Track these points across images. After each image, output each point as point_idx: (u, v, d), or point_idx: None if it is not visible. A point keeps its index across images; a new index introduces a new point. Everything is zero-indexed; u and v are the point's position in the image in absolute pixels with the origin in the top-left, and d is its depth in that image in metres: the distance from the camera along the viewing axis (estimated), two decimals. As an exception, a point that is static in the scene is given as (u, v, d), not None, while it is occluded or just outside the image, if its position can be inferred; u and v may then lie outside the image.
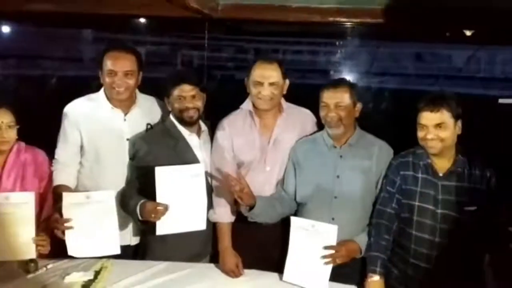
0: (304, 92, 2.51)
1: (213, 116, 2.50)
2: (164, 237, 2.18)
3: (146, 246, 2.37)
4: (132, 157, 2.33)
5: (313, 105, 2.29)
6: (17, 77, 3.49)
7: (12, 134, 2.23)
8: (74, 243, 2.13)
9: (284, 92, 2.35)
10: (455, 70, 4.13)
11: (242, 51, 3.99)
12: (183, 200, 2.14)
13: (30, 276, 2.07)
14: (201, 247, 2.36)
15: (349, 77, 3.83)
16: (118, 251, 2.18)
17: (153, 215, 2.08)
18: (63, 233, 2.13)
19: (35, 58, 3.48)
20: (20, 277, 2.06)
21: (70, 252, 2.14)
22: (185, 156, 2.28)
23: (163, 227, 2.13)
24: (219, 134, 2.36)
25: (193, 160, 2.29)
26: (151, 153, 2.26)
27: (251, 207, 2.15)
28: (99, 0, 2.48)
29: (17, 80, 3.48)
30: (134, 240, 2.44)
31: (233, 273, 2.21)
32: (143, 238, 2.41)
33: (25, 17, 2.95)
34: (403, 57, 4.13)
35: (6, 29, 3.46)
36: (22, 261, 2.11)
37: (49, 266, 2.14)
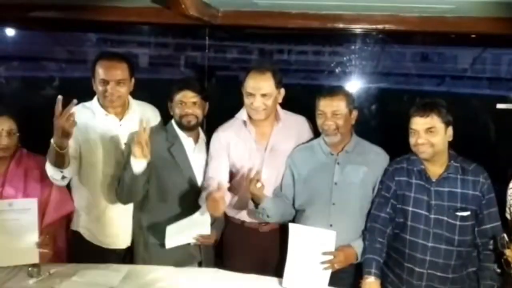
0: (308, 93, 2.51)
1: (215, 117, 2.53)
2: (152, 244, 2.25)
3: (134, 251, 2.42)
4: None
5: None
6: (19, 83, 3.53)
7: (12, 141, 2.26)
8: None
9: (280, 101, 2.35)
10: (460, 70, 4.09)
11: (246, 51, 3.98)
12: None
13: (33, 281, 2.09)
14: (189, 253, 2.36)
15: (353, 78, 3.82)
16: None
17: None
18: None
19: (38, 63, 3.52)
20: (23, 282, 2.08)
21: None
22: (178, 158, 2.33)
23: (171, 242, 2.20)
24: (214, 143, 2.39)
25: (185, 162, 2.34)
26: None
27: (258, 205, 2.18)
28: (101, 7, 2.50)
29: (19, 87, 3.52)
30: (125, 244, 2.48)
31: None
32: (132, 243, 2.45)
33: (28, 23, 2.99)
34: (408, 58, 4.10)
35: (10, 33, 3.49)
36: (25, 266, 2.13)
37: (52, 271, 2.15)
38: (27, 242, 2.14)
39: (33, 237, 2.15)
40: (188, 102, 2.29)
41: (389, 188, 2.18)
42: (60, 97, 2.00)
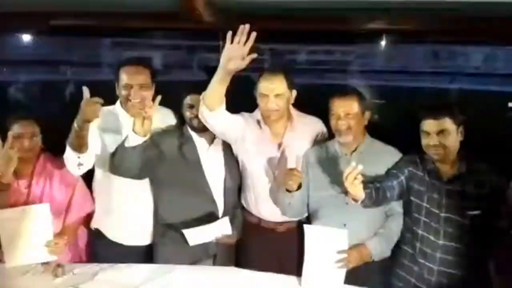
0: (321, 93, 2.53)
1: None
2: (168, 239, 2.33)
3: (153, 247, 2.47)
4: None
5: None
6: (40, 87, 3.60)
7: (35, 143, 2.32)
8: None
9: (292, 102, 2.39)
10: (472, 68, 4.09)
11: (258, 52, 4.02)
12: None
13: (57, 280, 2.15)
14: (203, 250, 2.40)
15: (364, 76, 3.84)
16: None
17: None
18: None
19: (57, 67, 3.58)
20: (47, 282, 2.14)
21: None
22: (189, 156, 2.38)
23: (193, 240, 2.28)
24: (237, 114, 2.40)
25: (195, 161, 2.38)
26: (157, 144, 2.33)
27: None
28: (118, 14, 2.56)
29: (41, 91, 3.58)
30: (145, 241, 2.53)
31: None
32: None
33: (50, 31, 3.05)
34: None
35: (31, 40, 3.57)
36: (49, 266, 2.20)
37: (75, 271, 2.21)
38: (43, 244, 2.19)
39: (48, 238, 2.20)
40: (196, 105, 2.31)
41: (403, 172, 2.20)
42: (85, 87, 2.06)
